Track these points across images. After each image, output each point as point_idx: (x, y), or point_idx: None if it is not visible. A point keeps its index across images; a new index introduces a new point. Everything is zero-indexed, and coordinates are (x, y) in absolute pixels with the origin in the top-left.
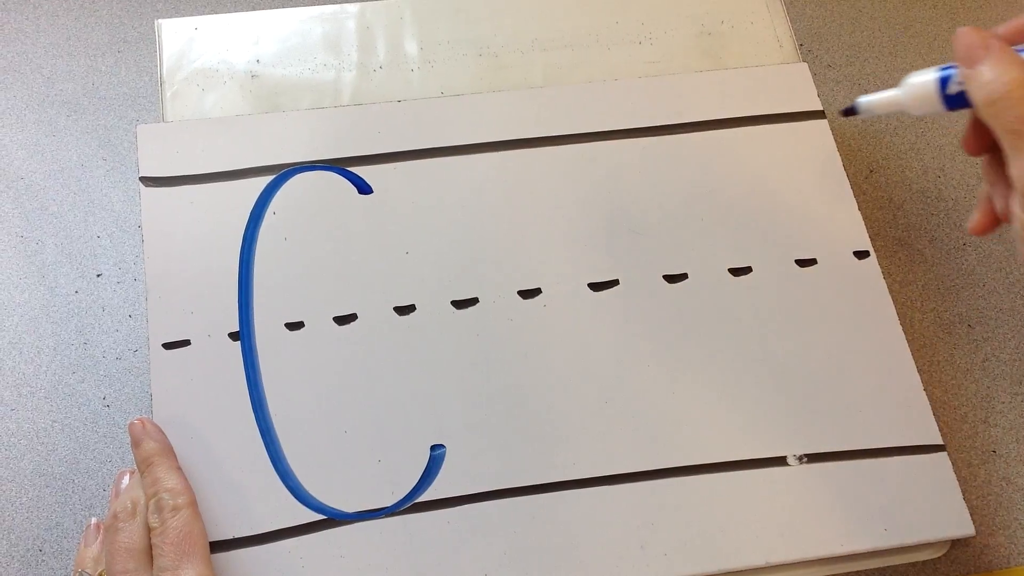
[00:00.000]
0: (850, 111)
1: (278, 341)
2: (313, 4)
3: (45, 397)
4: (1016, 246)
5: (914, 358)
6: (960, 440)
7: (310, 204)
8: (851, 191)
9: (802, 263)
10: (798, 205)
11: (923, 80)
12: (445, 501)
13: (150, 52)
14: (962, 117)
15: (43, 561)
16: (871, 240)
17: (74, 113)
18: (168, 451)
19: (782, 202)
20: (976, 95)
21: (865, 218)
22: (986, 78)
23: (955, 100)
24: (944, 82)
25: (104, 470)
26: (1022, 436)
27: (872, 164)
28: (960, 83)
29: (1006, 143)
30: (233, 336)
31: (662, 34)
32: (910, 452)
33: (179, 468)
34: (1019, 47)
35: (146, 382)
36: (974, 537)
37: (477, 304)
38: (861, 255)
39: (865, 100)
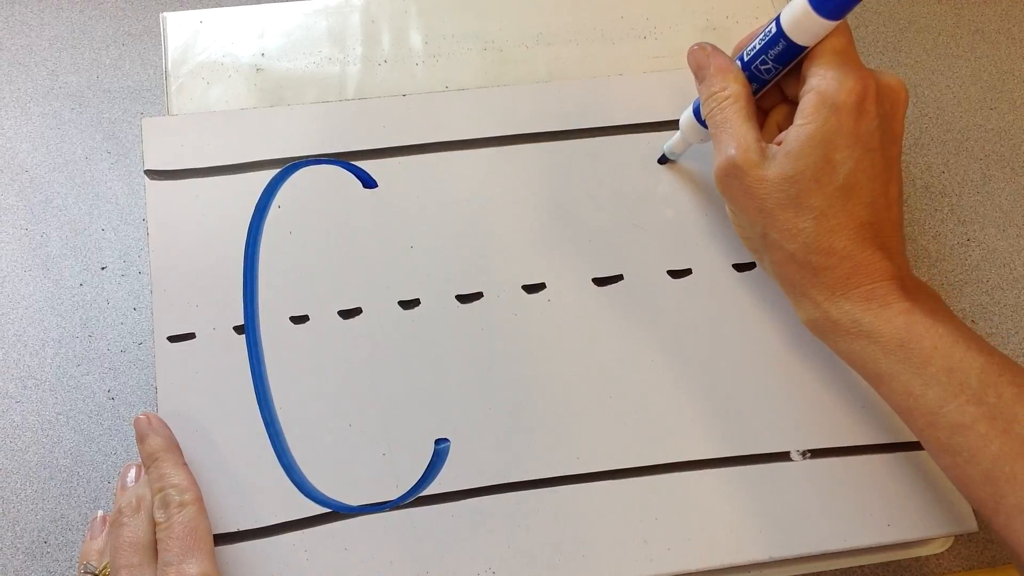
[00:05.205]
0: (662, 160)
1: (283, 334)
2: None
3: (50, 390)
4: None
5: None
6: None
7: (315, 198)
8: None
9: None
10: None
11: (686, 113)
12: (449, 495)
13: (155, 45)
14: (965, 115)
15: (48, 553)
16: None
17: (78, 106)
18: (174, 447)
19: None
20: (702, 107)
21: None
22: (704, 93)
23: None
24: (696, 110)
25: (109, 463)
26: None
27: None
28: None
29: (712, 136)
30: (238, 329)
31: (667, 29)
32: (913, 448)
33: (185, 464)
34: (747, 51)
35: (151, 375)
36: (977, 532)
37: (481, 298)
38: None
39: (666, 146)
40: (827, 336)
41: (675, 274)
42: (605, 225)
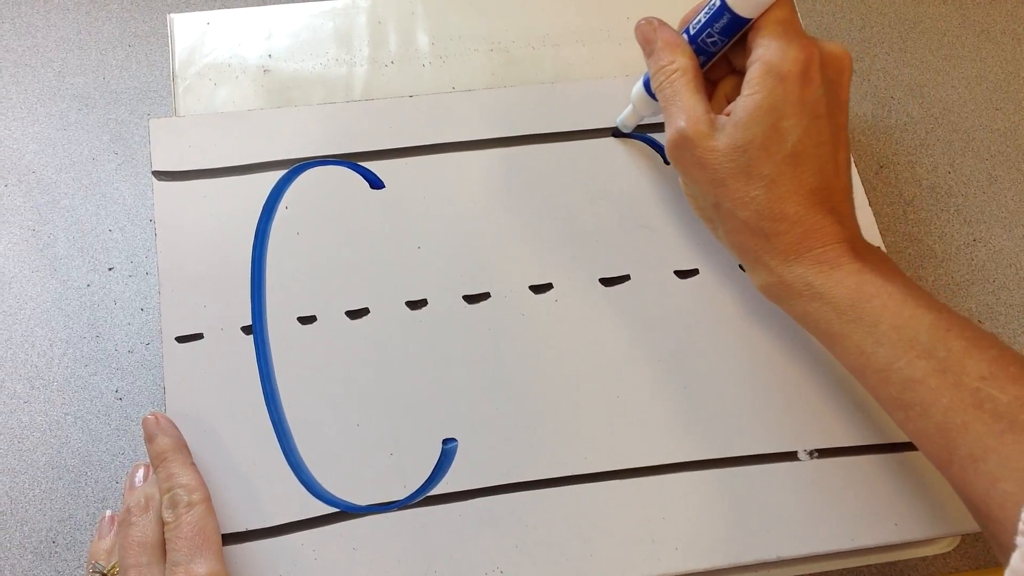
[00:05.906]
0: (616, 132)
1: (290, 335)
2: None
3: (58, 390)
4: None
5: None
6: None
7: (322, 198)
8: (862, 187)
9: None
10: None
11: (636, 87)
12: (457, 495)
13: (161, 46)
14: (970, 116)
15: (56, 553)
16: (881, 236)
17: (85, 107)
18: (182, 446)
19: None
20: (652, 81)
21: (875, 214)
22: (653, 67)
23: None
24: (646, 83)
25: (117, 463)
26: None
27: (882, 160)
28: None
29: (662, 109)
30: (246, 330)
31: None
32: None
33: (193, 464)
34: (692, 24)
35: (158, 375)
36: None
37: (488, 299)
38: None
39: (619, 119)
40: (782, 300)
41: (682, 274)
42: (612, 225)
